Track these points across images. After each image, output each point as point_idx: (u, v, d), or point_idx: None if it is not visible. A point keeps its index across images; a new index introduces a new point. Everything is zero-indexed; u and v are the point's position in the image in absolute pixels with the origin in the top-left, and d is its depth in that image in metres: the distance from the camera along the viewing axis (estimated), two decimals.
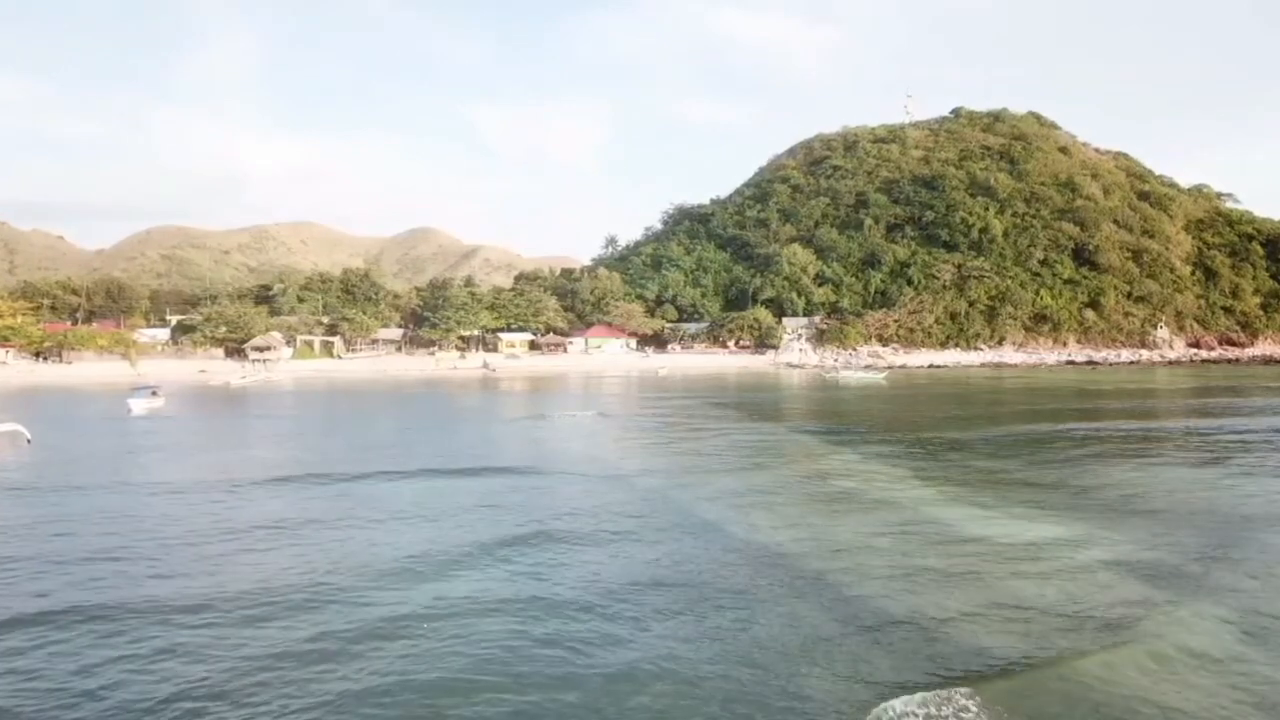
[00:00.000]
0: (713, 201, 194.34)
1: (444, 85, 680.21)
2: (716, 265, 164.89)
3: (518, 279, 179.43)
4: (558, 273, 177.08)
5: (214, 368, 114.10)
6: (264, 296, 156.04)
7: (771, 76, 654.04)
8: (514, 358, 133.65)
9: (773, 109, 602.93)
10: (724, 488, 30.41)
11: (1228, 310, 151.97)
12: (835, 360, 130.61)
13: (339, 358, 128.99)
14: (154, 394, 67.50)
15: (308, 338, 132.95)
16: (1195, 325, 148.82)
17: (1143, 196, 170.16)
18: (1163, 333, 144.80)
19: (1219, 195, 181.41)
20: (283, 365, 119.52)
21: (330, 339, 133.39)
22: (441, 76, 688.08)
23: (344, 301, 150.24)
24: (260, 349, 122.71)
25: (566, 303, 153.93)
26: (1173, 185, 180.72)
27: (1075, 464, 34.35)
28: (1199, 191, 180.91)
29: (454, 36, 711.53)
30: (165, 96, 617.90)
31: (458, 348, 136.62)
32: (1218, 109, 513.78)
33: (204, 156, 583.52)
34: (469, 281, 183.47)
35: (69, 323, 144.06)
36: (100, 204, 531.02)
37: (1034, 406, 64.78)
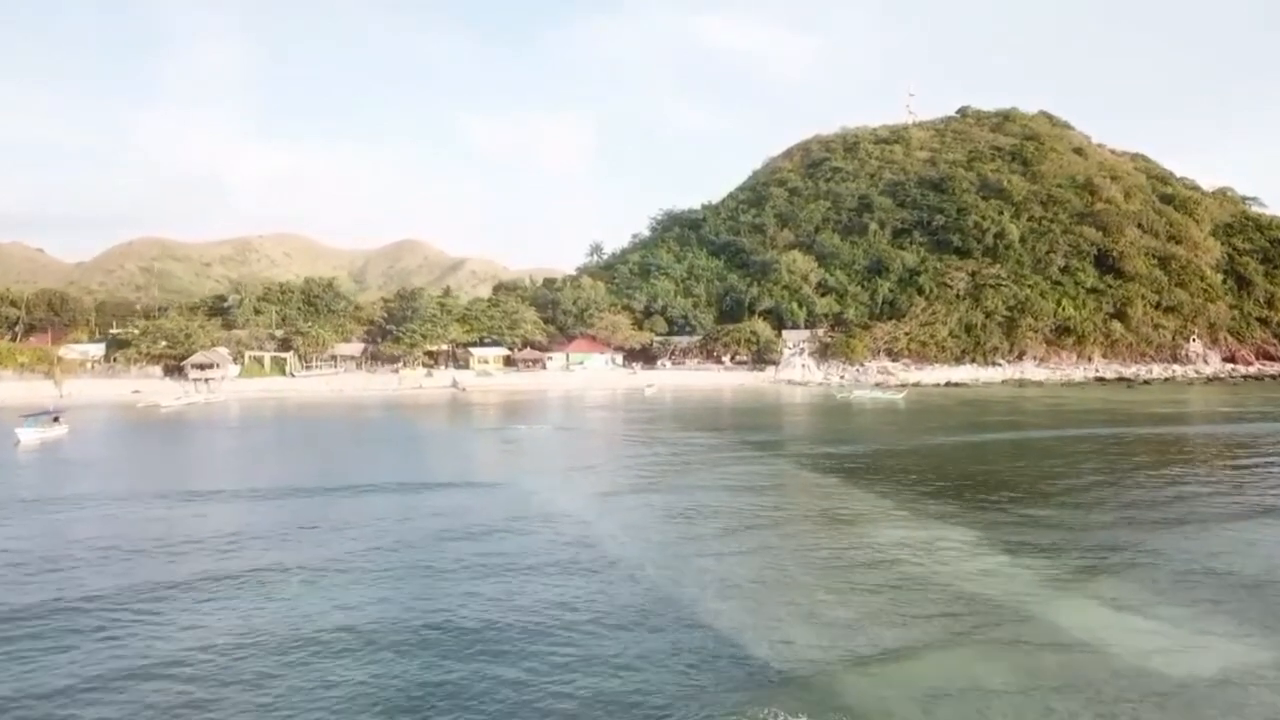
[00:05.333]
0: (704, 207, 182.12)
1: (430, 94, 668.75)
2: (709, 273, 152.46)
3: (496, 289, 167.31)
4: (539, 283, 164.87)
5: (149, 388, 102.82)
6: (218, 308, 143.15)
7: (763, 84, 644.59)
8: (486, 375, 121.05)
9: (766, 116, 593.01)
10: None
11: (1263, 321, 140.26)
12: (842, 377, 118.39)
13: (292, 375, 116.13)
14: (55, 420, 59.47)
15: (257, 353, 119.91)
16: (1229, 338, 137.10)
17: (1165, 199, 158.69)
18: (1196, 346, 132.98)
19: (1244, 199, 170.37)
20: (227, 385, 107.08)
21: (283, 355, 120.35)
22: (427, 85, 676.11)
23: (305, 314, 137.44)
24: (201, 366, 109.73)
25: (547, 314, 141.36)
26: (1196, 188, 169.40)
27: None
28: (1223, 194, 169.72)
29: (440, 45, 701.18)
30: (148, 106, 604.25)
31: (425, 364, 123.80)
32: (1228, 108, 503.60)
33: (188, 167, 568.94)
34: (447, 292, 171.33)
35: (7, 337, 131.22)
36: (83, 215, 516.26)
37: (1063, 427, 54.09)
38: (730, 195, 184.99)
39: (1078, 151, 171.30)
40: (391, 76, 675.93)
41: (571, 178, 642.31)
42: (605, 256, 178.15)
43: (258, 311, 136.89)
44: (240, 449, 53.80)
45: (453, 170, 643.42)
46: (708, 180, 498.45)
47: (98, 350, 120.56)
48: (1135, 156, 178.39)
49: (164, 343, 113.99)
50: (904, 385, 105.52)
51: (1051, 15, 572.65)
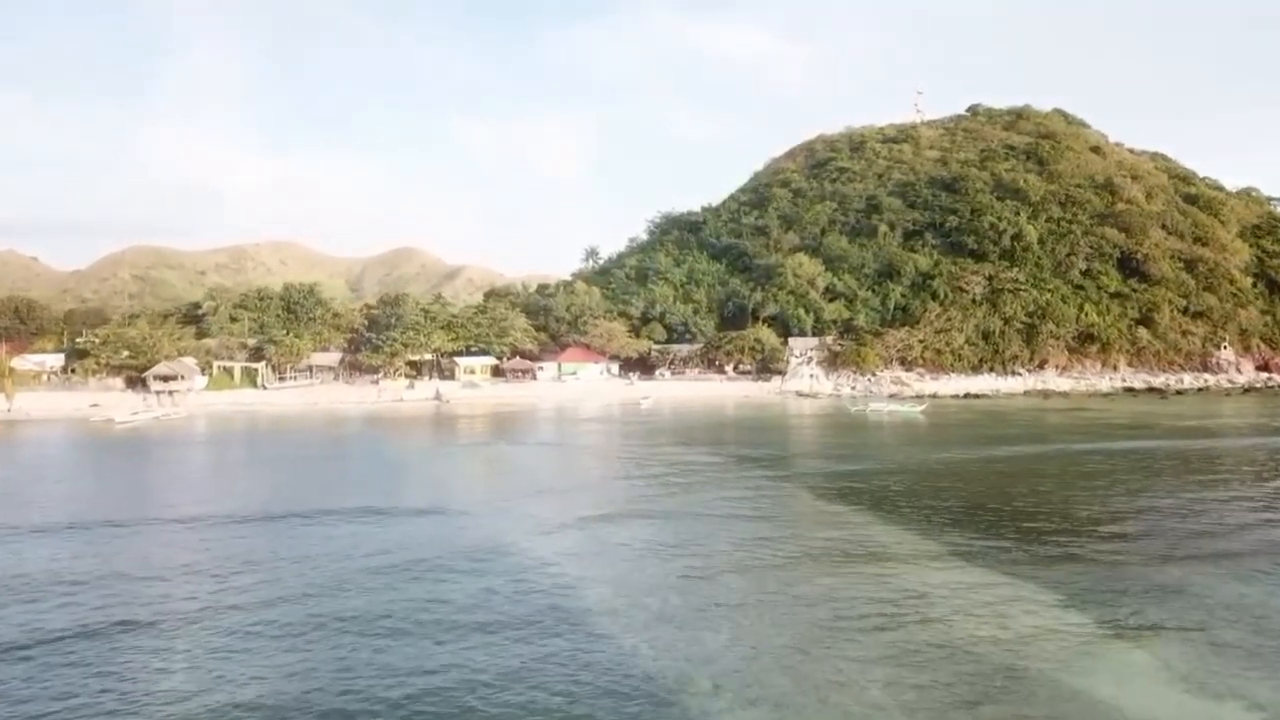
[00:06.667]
0: (704, 209, 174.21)
1: (428, 102, 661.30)
2: (710, 278, 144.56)
3: (487, 295, 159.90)
4: (532, 289, 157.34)
5: (109, 401, 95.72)
6: (192, 316, 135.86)
7: (763, 89, 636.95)
8: (472, 386, 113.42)
9: (766, 120, 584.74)
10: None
11: None
12: (853, 388, 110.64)
13: (263, 387, 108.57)
14: None
15: (227, 364, 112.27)
16: (1263, 345, 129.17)
17: (1189, 200, 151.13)
18: (1227, 354, 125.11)
19: (1269, 199, 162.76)
20: (192, 397, 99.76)
21: (255, 365, 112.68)
22: (424, 92, 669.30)
23: (284, 321, 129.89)
24: (164, 378, 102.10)
25: (539, 321, 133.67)
26: (1219, 188, 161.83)
27: None
28: (1248, 195, 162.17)
29: (436, 52, 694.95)
30: (145, 114, 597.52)
31: (407, 375, 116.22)
32: (1237, 105, 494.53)
33: (185, 175, 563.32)
34: (438, 299, 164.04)
35: None
36: (78, 223, 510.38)
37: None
38: (731, 197, 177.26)
39: (1095, 150, 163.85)
40: (388, 83, 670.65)
41: (570, 184, 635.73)
42: (601, 261, 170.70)
43: (233, 319, 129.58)
44: (184, 470, 49.95)
45: (450, 177, 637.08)
46: (709, 185, 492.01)
47: (57, 361, 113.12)
48: (1155, 156, 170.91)
49: (126, 352, 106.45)
50: (920, 397, 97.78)
51: (1053, 14, 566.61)
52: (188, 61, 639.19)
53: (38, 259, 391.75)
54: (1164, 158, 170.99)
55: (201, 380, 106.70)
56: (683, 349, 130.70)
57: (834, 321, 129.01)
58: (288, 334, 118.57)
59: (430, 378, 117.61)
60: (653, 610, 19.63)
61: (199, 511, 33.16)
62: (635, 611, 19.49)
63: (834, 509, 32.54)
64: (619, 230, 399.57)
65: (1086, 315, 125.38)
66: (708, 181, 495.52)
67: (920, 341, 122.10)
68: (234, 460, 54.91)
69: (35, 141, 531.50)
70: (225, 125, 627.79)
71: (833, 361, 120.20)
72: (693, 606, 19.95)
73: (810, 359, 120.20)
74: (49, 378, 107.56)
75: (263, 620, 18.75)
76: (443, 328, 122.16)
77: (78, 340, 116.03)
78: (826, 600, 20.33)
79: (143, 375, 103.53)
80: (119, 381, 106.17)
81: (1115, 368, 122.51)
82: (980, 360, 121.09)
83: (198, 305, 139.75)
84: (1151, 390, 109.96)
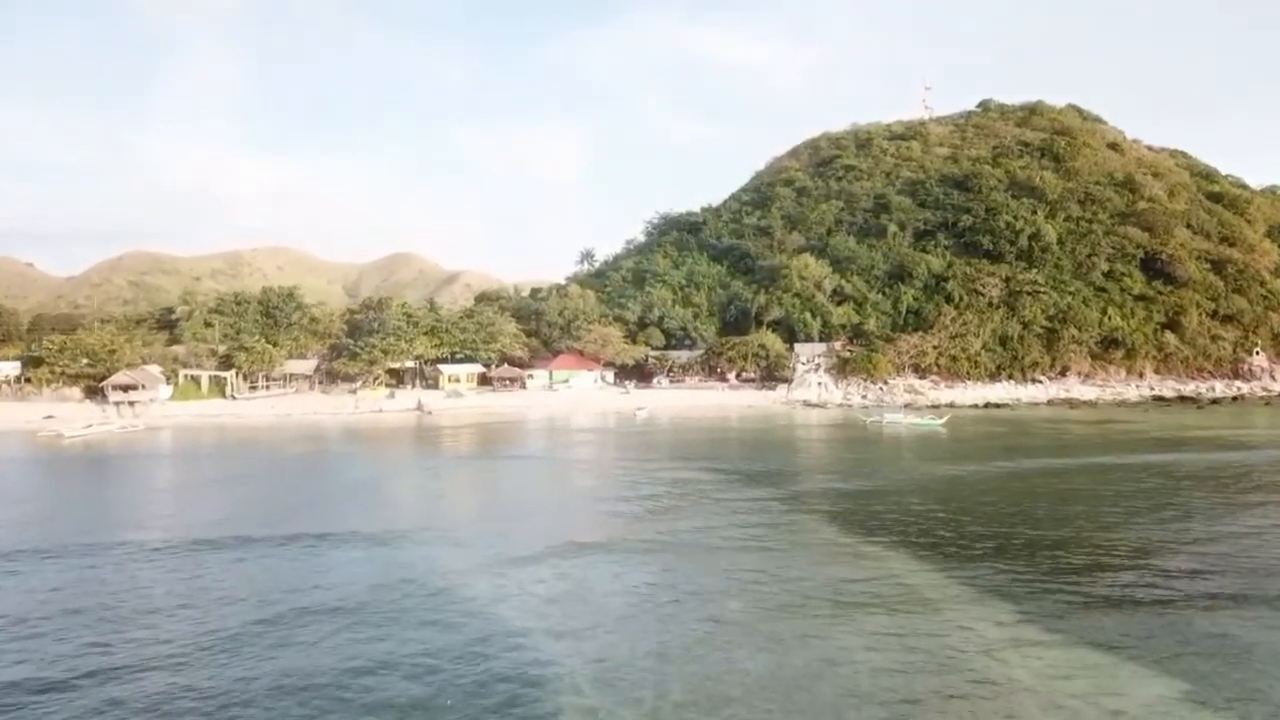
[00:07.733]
0: (704, 209, 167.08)
1: (425, 108, 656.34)
2: (711, 280, 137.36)
3: (477, 299, 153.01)
4: (525, 293, 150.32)
5: (64, 412, 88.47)
6: (166, 321, 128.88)
7: (763, 93, 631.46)
8: (457, 395, 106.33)
9: (767, 123, 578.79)
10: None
11: None
12: (864, 397, 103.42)
13: (232, 397, 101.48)
14: None
15: (194, 372, 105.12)
16: None
17: (1213, 198, 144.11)
18: (1260, 359, 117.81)
19: None
20: (155, 408, 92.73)
21: (223, 374, 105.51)
22: (424, 98, 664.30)
23: (263, 326, 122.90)
24: (123, 387, 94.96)
25: (530, 326, 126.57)
26: (1244, 186, 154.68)
27: None
28: (1273, 193, 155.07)
29: (437, 57, 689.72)
30: (142, 120, 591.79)
31: (387, 384, 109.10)
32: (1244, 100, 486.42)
33: (182, 181, 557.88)
34: (431, 304, 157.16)
35: None
36: (75, 229, 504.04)
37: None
38: (733, 197, 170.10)
39: (1113, 147, 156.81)
40: (387, 88, 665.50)
41: (569, 189, 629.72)
42: (597, 264, 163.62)
43: (208, 325, 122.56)
44: (118, 490, 45.77)
45: (449, 182, 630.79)
46: (710, 188, 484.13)
47: (13, 369, 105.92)
48: (1174, 153, 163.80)
49: (84, 360, 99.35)
50: (939, 407, 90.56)
51: (1059, 14, 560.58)
52: (186, 66, 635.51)
53: (34, 265, 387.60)
54: (1184, 155, 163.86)
55: (166, 390, 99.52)
56: (682, 355, 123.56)
57: (842, 326, 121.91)
58: (261, 340, 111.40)
59: (413, 386, 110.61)
60: (647, 707, 15.37)
61: (110, 539, 29.58)
62: (624, 710, 15.24)
63: (858, 542, 28.73)
64: (619, 234, 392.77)
65: (1110, 319, 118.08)
66: (709, 185, 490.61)
67: (935, 347, 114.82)
68: (179, 479, 50.87)
69: (32, 146, 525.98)
70: (223, 130, 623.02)
71: (842, 369, 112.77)
72: (703, 697, 15.76)
73: (818, 366, 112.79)
74: (2, 387, 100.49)
75: (127, 696, 15.77)
76: (426, 333, 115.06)
77: (47, 346, 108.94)
78: (866, 674, 17.17)
79: (101, 385, 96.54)
80: (77, 391, 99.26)
81: (1141, 375, 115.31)
82: (998, 367, 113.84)
83: (171, 310, 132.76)
84: (1183, 399, 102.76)
